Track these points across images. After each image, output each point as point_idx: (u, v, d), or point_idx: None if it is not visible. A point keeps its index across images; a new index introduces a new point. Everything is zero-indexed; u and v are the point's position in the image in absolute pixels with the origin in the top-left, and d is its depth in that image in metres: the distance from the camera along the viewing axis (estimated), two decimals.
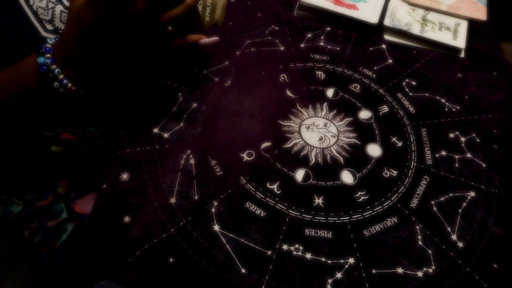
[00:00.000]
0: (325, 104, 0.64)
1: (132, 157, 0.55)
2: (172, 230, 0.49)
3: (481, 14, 0.79)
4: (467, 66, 0.73)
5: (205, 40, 0.54)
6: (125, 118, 0.61)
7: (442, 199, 0.55)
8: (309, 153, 0.58)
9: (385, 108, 0.65)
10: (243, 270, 0.47)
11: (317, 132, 0.60)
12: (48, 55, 0.46)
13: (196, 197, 0.52)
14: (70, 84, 0.46)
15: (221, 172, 0.54)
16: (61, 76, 0.45)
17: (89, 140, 0.67)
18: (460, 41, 0.74)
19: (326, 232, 0.50)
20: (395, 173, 0.57)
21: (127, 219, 0.49)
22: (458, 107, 0.66)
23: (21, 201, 0.64)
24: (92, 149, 0.67)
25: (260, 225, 0.50)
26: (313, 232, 0.50)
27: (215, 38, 0.55)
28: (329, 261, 0.48)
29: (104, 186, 0.52)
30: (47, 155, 0.65)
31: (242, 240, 0.49)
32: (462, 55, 0.75)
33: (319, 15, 0.77)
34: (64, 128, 0.64)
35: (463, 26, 0.77)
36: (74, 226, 0.60)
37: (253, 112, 0.61)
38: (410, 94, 0.67)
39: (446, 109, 0.66)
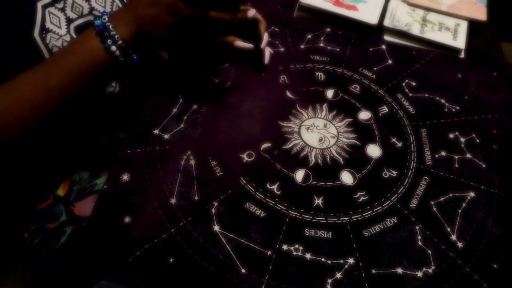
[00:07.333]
0: (325, 105, 0.64)
1: (132, 158, 0.55)
2: (172, 230, 0.49)
3: (481, 14, 0.79)
4: (467, 66, 0.73)
5: (239, 43, 0.55)
6: (126, 120, 0.61)
7: (441, 199, 0.55)
8: (309, 154, 0.58)
9: (385, 109, 0.65)
10: (243, 270, 0.47)
11: (317, 133, 0.61)
12: (105, 17, 0.49)
13: (196, 198, 0.52)
14: (120, 41, 0.49)
15: (221, 173, 0.55)
16: (114, 32, 0.49)
17: (90, 141, 0.67)
18: (460, 42, 0.74)
19: (326, 232, 0.50)
20: (394, 173, 0.57)
21: (127, 219, 0.49)
22: (458, 108, 0.66)
23: (21, 203, 0.64)
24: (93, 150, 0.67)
25: (260, 225, 0.50)
26: (313, 232, 0.50)
27: (249, 45, 0.56)
28: (329, 261, 0.48)
29: (105, 186, 0.52)
30: (51, 156, 0.65)
31: (242, 240, 0.49)
32: (462, 55, 0.75)
33: (319, 16, 0.78)
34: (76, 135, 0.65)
35: (463, 26, 0.77)
36: (73, 229, 0.60)
37: (253, 113, 0.62)
38: (410, 94, 0.67)
39: (446, 110, 0.66)
